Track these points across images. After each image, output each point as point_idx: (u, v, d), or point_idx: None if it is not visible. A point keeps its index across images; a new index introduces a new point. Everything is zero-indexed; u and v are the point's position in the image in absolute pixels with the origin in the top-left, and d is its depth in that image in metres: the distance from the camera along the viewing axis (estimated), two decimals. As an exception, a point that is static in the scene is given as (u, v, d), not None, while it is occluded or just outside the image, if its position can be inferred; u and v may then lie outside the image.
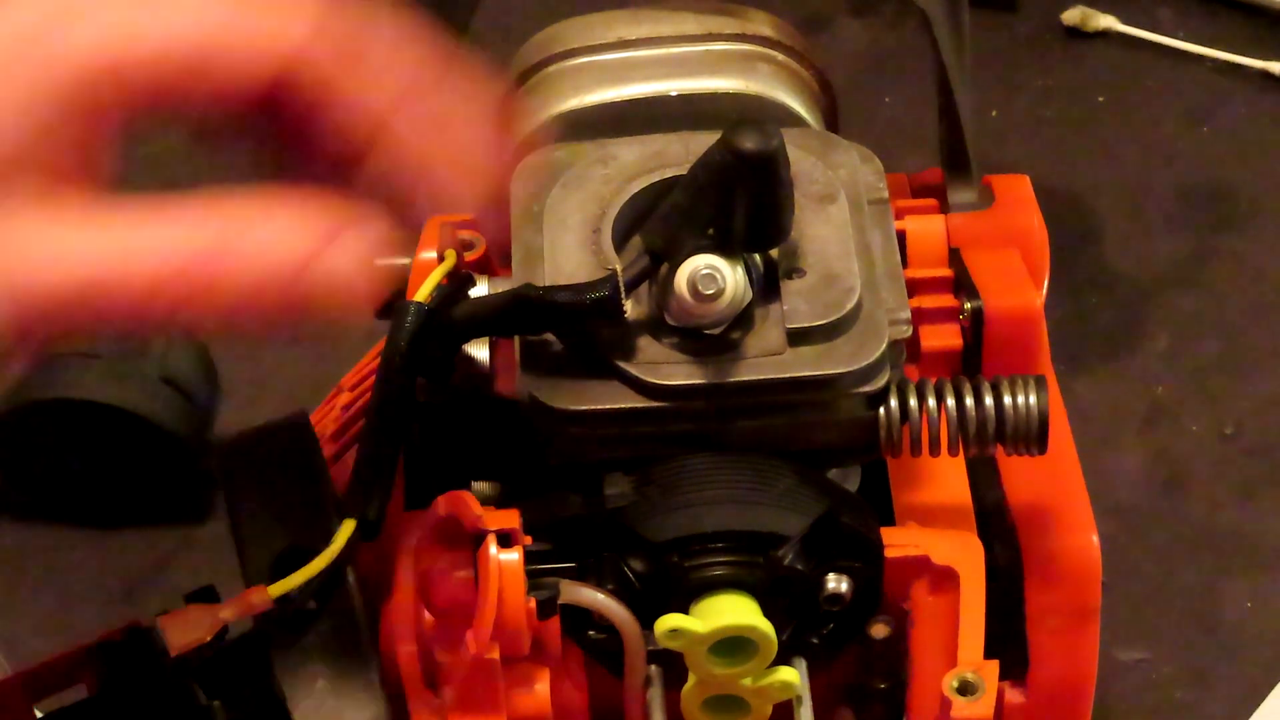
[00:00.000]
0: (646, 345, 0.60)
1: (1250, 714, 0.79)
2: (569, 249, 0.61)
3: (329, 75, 0.47)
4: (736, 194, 0.57)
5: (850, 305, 0.60)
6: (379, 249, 0.47)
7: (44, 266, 0.45)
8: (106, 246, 0.45)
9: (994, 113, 0.98)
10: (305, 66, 0.47)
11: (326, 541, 0.60)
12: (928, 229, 0.68)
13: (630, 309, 0.59)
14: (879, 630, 0.61)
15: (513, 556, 0.56)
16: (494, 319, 0.61)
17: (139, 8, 0.46)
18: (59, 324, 0.45)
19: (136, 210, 0.46)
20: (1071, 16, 1.02)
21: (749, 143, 0.56)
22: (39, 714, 0.61)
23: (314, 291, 0.47)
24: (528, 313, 0.60)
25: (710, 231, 0.58)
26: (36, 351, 0.46)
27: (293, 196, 0.47)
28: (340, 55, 0.47)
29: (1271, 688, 0.80)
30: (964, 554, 0.60)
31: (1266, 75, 1.00)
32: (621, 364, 0.59)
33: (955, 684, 0.58)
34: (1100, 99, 1.00)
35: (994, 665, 0.58)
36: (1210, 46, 1.01)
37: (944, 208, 0.70)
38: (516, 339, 0.61)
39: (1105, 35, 1.02)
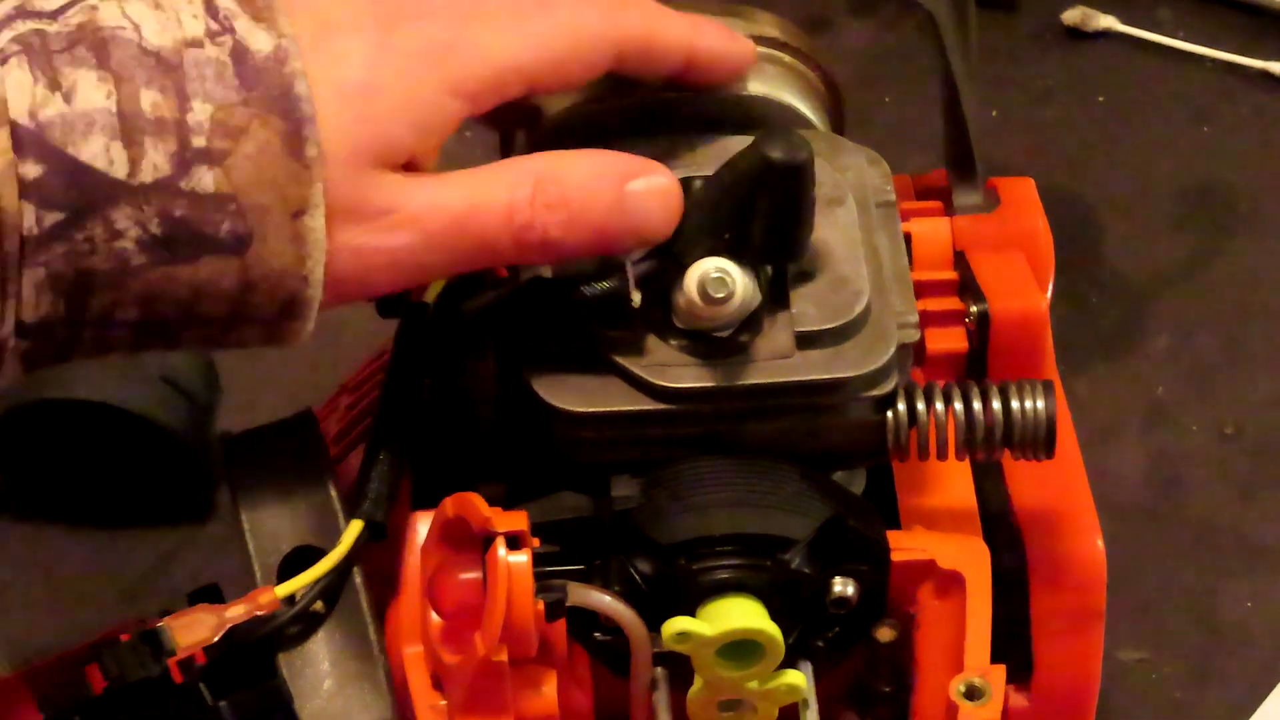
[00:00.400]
0: (654, 347, 0.60)
1: (1250, 714, 0.79)
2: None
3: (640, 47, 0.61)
4: (758, 202, 0.57)
5: (859, 309, 0.60)
6: (671, 192, 0.59)
7: (428, 211, 0.57)
8: (470, 188, 0.57)
9: (994, 113, 0.98)
10: (629, 43, 0.61)
11: (334, 542, 0.60)
12: (933, 232, 0.68)
13: (638, 301, 0.59)
14: (885, 634, 0.61)
15: (521, 558, 0.56)
16: (502, 315, 0.61)
17: (528, 18, 0.58)
18: (449, 252, 0.57)
19: (472, 170, 0.58)
20: (1071, 16, 1.02)
21: (777, 151, 0.56)
22: (42, 714, 0.61)
23: (633, 209, 0.58)
24: (536, 305, 0.60)
25: (726, 236, 0.58)
26: (448, 274, 0.61)
27: (590, 150, 0.59)
28: (640, 34, 0.61)
29: (1271, 688, 0.80)
30: (970, 558, 0.60)
31: (1267, 75, 0.99)
32: (629, 366, 0.59)
33: (962, 689, 0.58)
34: (1100, 99, 1.00)
35: (1000, 670, 0.58)
36: (1211, 46, 1.00)
37: (949, 210, 0.70)
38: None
39: (1105, 35, 1.02)
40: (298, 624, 0.60)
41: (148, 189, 0.54)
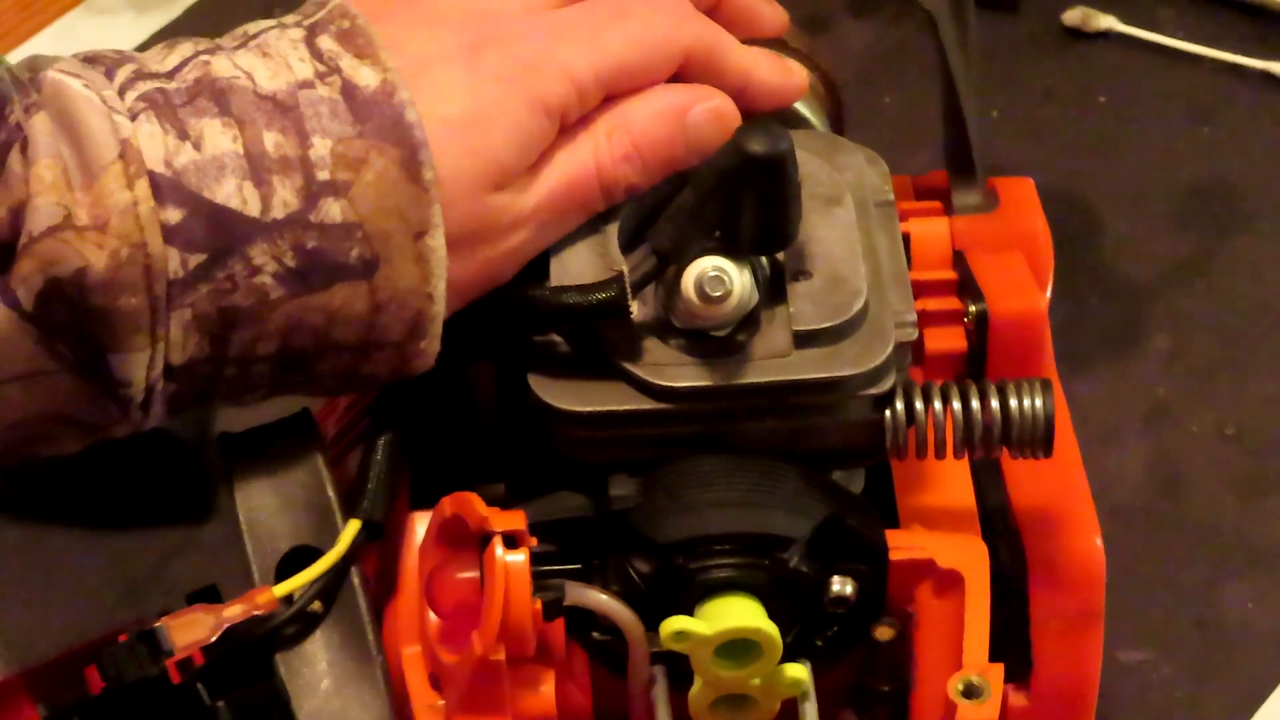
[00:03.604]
0: (653, 347, 0.60)
1: (1250, 714, 0.79)
2: (575, 249, 0.61)
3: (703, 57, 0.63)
4: (744, 196, 0.57)
5: (857, 308, 0.60)
6: (727, 114, 0.62)
7: (539, 207, 0.60)
8: (563, 168, 0.60)
9: (995, 113, 0.98)
10: (694, 50, 0.63)
11: (332, 542, 0.60)
12: (932, 232, 0.68)
13: (637, 310, 0.59)
14: (883, 633, 0.61)
15: (519, 558, 0.56)
16: (500, 320, 0.61)
17: (603, 30, 0.61)
18: (560, 228, 0.61)
19: (552, 146, 0.60)
20: (1072, 17, 1.02)
21: (758, 145, 0.56)
22: (40, 714, 0.60)
23: (695, 138, 0.61)
24: (534, 313, 0.60)
25: (717, 234, 0.58)
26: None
27: (648, 90, 0.62)
28: (705, 44, 0.63)
29: (1272, 688, 0.80)
30: (968, 557, 0.60)
31: (1267, 75, 0.99)
32: (628, 366, 0.59)
33: (960, 687, 0.58)
34: (1101, 99, 1.00)
35: (999, 668, 0.58)
36: (1211, 46, 1.00)
37: (948, 210, 0.70)
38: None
39: (1105, 35, 1.02)
40: (295, 624, 0.60)
41: (280, 224, 0.56)
